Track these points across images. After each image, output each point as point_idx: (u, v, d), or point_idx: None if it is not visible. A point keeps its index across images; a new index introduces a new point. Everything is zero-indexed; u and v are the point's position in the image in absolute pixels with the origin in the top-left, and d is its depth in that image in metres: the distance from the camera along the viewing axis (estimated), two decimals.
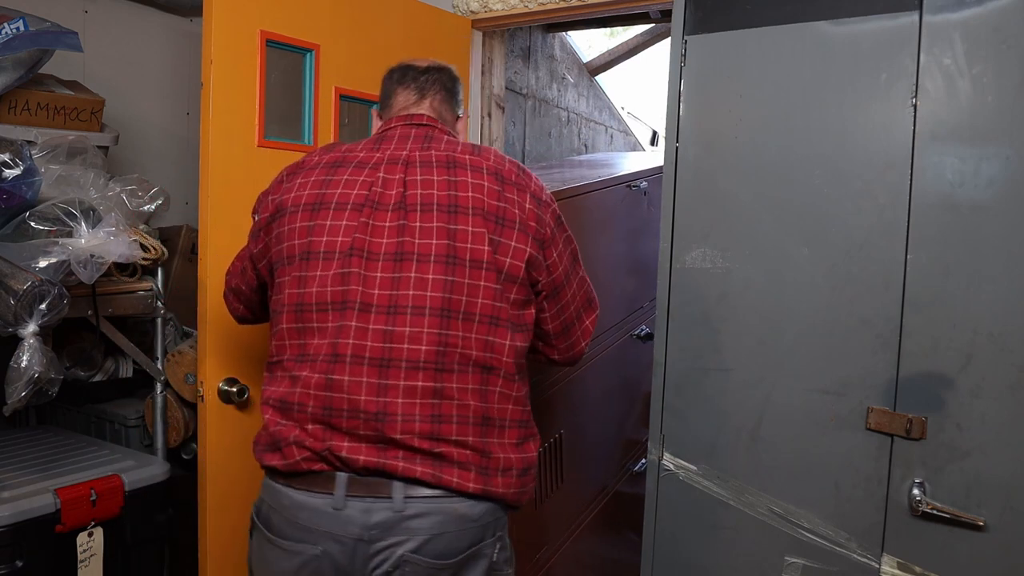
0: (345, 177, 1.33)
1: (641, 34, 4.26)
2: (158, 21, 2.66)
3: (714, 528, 1.70)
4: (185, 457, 2.13)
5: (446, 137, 1.42)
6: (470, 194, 1.31)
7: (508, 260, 1.31)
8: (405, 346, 1.25)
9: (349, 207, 1.30)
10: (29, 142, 1.75)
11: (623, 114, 5.06)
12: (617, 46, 4.42)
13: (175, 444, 2.07)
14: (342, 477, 1.24)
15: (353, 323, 1.25)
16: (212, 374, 1.89)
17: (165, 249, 1.94)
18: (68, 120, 1.96)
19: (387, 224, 1.29)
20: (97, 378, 2.10)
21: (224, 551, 1.94)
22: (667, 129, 1.75)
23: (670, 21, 1.74)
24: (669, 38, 1.75)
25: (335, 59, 2.11)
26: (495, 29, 2.78)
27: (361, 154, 1.37)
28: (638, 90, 5.47)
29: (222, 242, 1.88)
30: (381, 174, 1.33)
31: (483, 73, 2.80)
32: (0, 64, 1.78)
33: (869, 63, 1.50)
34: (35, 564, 1.65)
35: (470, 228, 1.29)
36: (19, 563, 1.62)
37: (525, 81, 3.73)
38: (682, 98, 1.72)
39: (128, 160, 2.50)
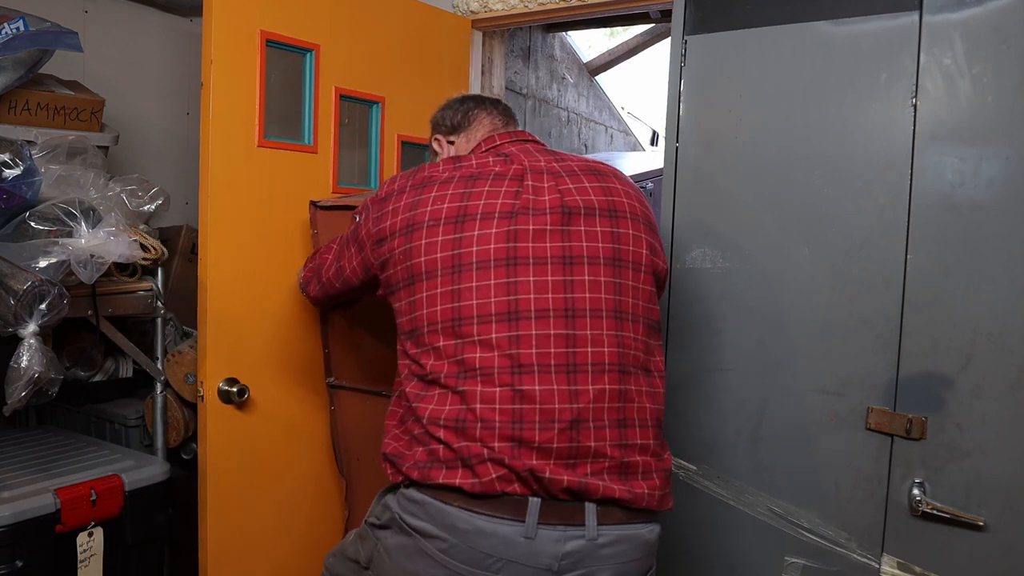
0: (487, 188, 1.29)
1: (641, 34, 4.26)
2: (158, 21, 2.66)
3: (714, 528, 1.70)
4: (185, 457, 2.13)
5: (562, 151, 1.43)
6: (624, 199, 1.33)
7: (660, 263, 1.35)
8: (589, 349, 1.22)
9: (497, 216, 1.26)
10: (29, 142, 1.75)
11: (623, 114, 5.06)
12: (617, 46, 4.42)
13: (175, 444, 2.07)
14: (535, 503, 1.16)
15: (533, 331, 1.20)
16: (212, 374, 1.89)
17: (165, 249, 1.94)
18: (68, 120, 1.96)
19: (548, 228, 1.26)
20: (97, 378, 2.10)
21: (224, 551, 1.94)
22: (667, 129, 1.75)
23: (670, 21, 1.74)
24: (669, 38, 1.75)
25: (335, 59, 2.11)
26: (495, 29, 2.78)
27: (496, 168, 1.34)
28: (638, 90, 5.47)
29: (222, 242, 1.88)
30: (529, 182, 1.31)
31: (483, 73, 2.80)
32: (0, 64, 1.78)
33: (869, 63, 1.50)
34: (35, 564, 1.64)
35: (631, 231, 1.31)
36: (19, 563, 1.62)
37: (525, 81, 3.73)
38: (682, 98, 1.72)
39: (128, 160, 2.50)
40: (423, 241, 1.27)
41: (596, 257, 1.26)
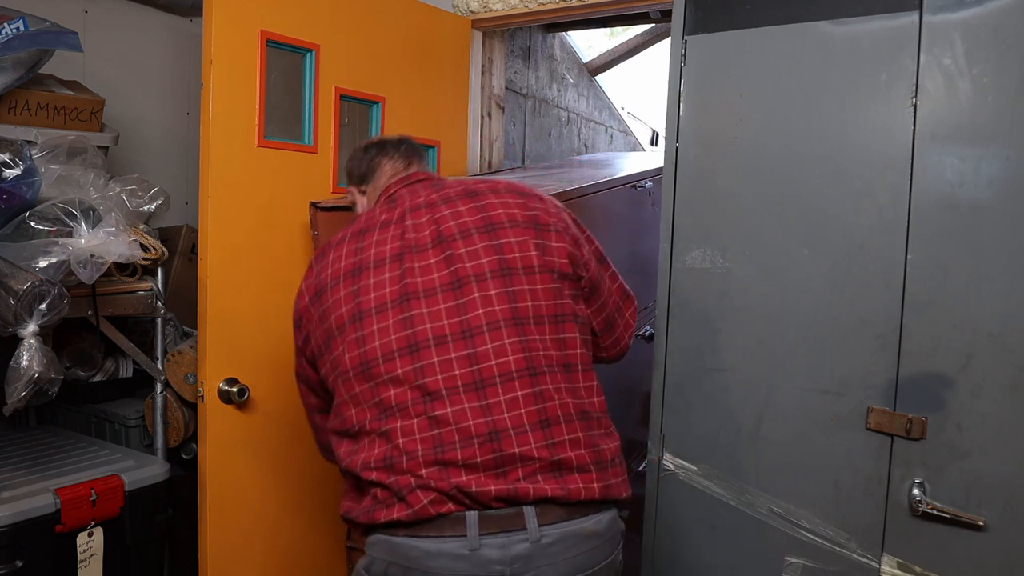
0: (375, 238, 1.38)
1: (641, 34, 4.26)
2: (158, 21, 2.66)
3: (714, 528, 1.70)
4: (185, 457, 2.13)
5: (448, 179, 1.50)
6: (501, 211, 1.37)
7: (556, 259, 1.36)
8: (493, 362, 1.26)
9: (388, 260, 1.34)
10: (29, 142, 1.75)
11: (623, 114, 5.06)
12: (617, 46, 4.42)
13: (175, 444, 2.07)
14: (472, 516, 1.21)
15: (435, 359, 1.26)
16: (212, 374, 1.89)
17: (165, 249, 1.94)
18: (68, 120, 1.96)
19: (432, 260, 1.33)
20: (97, 378, 2.10)
21: (224, 551, 1.94)
22: (667, 129, 1.75)
23: (670, 21, 1.74)
24: (669, 38, 1.75)
25: (335, 59, 2.11)
26: (495, 29, 2.78)
27: (382, 216, 1.42)
28: (638, 90, 5.47)
29: (222, 242, 1.89)
30: (408, 222, 1.38)
31: (483, 73, 2.80)
32: (0, 64, 1.78)
33: (869, 63, 1.50)
34: (35, 564, 1.64)
35: (512, 239, 1.34)
36: (19, 563, 1.62)
37: (525, 81, 3.73)
38: (682, 98, 1.72)
39: (128, 160, 2.50)
40: (330, 301, 1.35)
41: (481, 273, 1.31)
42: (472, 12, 2.61)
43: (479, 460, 1.21)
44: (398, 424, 1.24)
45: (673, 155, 1.73)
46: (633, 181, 2.55)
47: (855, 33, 1.52)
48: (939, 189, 1.44)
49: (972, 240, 1.41)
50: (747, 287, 1.65)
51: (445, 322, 1.28)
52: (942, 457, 1.44)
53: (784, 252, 1.60)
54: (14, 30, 1.78)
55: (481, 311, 1.28)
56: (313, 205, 1.99)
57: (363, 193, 1.59)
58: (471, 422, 1.22)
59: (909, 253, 1.47)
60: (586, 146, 4.49)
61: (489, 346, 1.27)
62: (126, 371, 2.15)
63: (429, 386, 1.24)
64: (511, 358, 1.26)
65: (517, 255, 1.33)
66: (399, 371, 1.26)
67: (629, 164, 3.03)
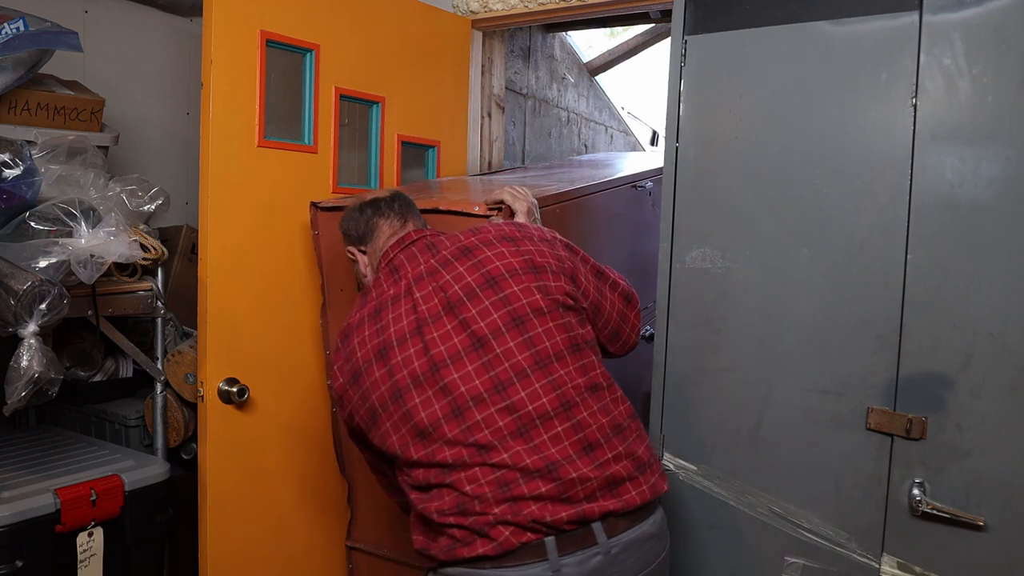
0: (391, 316, 1.45)
1: (641, 34, 4.25)
2: (158, 21, 2.66)
3: (714, 528, 1.70)
4: (185, 457, 2.13)
5: (441, 237, 1.55)
6: (497, 264, 1.44)
7: (558, 297, 1.44)
8: (530, 407, 1.35)
9: (408, 336, 1.41)
10: (29, 142, 1.75)
11: (623, 114, 5.06)
12: (617, 46, 4.42)
13: (175, 444, 2.07)
14: (550, 541, 1.30)
15: (478, 417, 1.34)
16: (212, 374, 1.89)
17: (165, 249, 1.94)
18: (68, 120, 1.96)
19: (449, 327, 1.40)
20: (97, 378, 2.10)
21: (224, 551, 1.94)
22: (667, 129, 1.75)
23: (670, 21, 1.74)
24: (669, 38, 1.75)
25: (335, 59, 2.11)
26: (495, 29, 2.78)
27: (391, 291, 1.48)
28: (638, 90, 5.47)
29: (222, 242, 1.88)
30: (417, 294, 1.45)
31: (483, 73, 2.80)
32: (0, 64, 1.78)
33: (869, 63, 1.50)
34: (35, 564, 1.64)
35: (515, 288, 1.42)
36: (19, 563, 1.62)
37: (525, 81, 3.73)
38: (682, 98, 1.72)
39: (128, 160, 2.50)
40: (367, 383, 1.43)
41: (497, 329, 1.39)
42: (472, 12, 2.61)
43: (543, 491, 1.31)
44: (461, 475, 1.33)
45: (673, 155, 1.73)
46: (633, 181, 2.54)
47: (855, 33, 1.52)
48: (939, 189, 1.44)
49: (972, 240, 1.41)
50: (747, 287, 1.65)
51: (477, 382, 1.36)
52: (942, 457, 1.44)
53: (784, 252, 1.60)
54: (14, 30, 1.78)
55: (507, 364, 1.37)
56: (314, 205, 1.99)
57: (363, 252, 1.64)
58: (527, 461, 1.32)
59: (909, 253, 1.47)
60: (586, 146, 4.49)
61: (523, 393, 1.36)
62: (126, 371, 2.15)
63: (480, 441, 1.33)
64: (544, 400, 1.36)
65: (524, 302, 1.41)
66: (450, 435, 1.34)
67: (629, 164, 3.02)
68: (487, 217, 1.74)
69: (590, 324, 1.51)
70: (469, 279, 1.43)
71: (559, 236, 1.56)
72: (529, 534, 1.29)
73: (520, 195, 1.74)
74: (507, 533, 1.29)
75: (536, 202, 1.77)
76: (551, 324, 1.41)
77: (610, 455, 1.37)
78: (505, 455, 1.32)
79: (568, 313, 1.45)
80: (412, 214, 1.63)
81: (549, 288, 1.44)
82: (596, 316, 1.54)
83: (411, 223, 1.61)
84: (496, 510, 1.30)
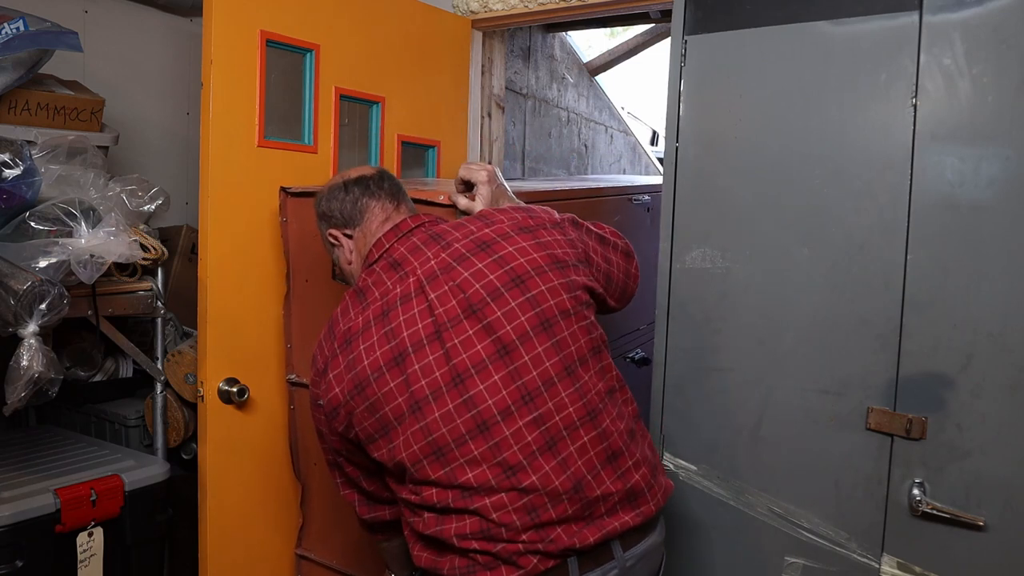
0: (402, 318, 1.31)
1: (641, 34, 4.26)
2: (158, 21, 2.66)
3: (714, 528, 1.70)
4: (185, 457, 2.13)
5: (444, 226, 1.42)
6: (521, 260, 1.33)
7: (582, 294, 1.37)
8: (557, 418, 1.28)
9: (426, 342, 1.29)
10: (29, 142, 1.75)
11: (623, 114, 5.06)
12: (617, 46, 4.42)
13: (175, 444, 2.07)
14: (573, 563, 1.26)
15: (506, 432, 1.26)
16: (212, 374, 1.89)
17: (165, 249, 1.94)
18: (68, 120, 1.96)
19: (471, 332, 1.29)
20: (97, 378, 2.10)
21: (224, 551, 1.94)
22: (667, 129, 1.75)
23: (670, 21, 1.74)
24: (669, 38, 1.75)
25: (335, 59, 2.11)
26: (495, 29, 2.78)
27: (397, 289, 1.35)
28: (638, 90, 5.47)
29: (222, 242, 1.88)
30: (432, 295, 1.31)
31: (483, 73, 2.80)
32: (0, 64, 1.78)
33: (869, 63, 1.50)
34: (35, 564, 1.65)
35: (542, 287, 1.32)
36: (19, 563, 1.62)
37: (525, 81, 3.73)
38: (682, 98, 1.72)
39: (128, 160, 2.50)
40: (378, 394, 1.30)
41: (524, 333, 1.29)
42: (472, 12, 2.61)
43: (570, 513, 1.26)
44: (487, 501, 1.25)
45: (673, 155, 1.73)
46: (629, 193, 2.51)
47: (855, 33, 1.52)
48: (939, 189, 1.44)
49: (972, 240, 1.41)
50: (747, 287, 1.65)
51: (504, 393, 1.27)
52: (942, 457, 1.44)
53: (784, 252, 1.60)
54: (14, 30, 1.78)
55: (535, 372, 1.28)
56: (283, 190, 1.93)
57: (349, 237, 1.48)
58: (556, 482, 1.26)
59: (909, 253, 1.47)
60: (586, 146, 4.50)
61: (550, 403, 1.28)
62: (126, 371, 2.15)
63: (509, 460, 1.25)
64: (571, 409, 1.29)
65: (552, 303, 1.32)
66: (475, 452, 1.26)
67: (627, 179, 2.98)
68: (453, 206, 1.60)
69: (601, 292, 1.45)
70: (491, 277, 1.31)
71: (566, 216, 1.48)
72: (556, 559, 1.26)
73: (476, 166, 1.57)
74: (535, 561, 1.24)
75: (497, 170, 1.62)
76: (576, 326, 1.34)
77: (630, 463, 1.33)
78: (534, 477, 1.25)
79: (588, 310, 1.38)
80: (403, 196, 1.50)
81: (574, 284, 1.36)
82: (607, 283, 1.48)
83: (404, 206, 1.48)
84: (524, 537, 1.24)
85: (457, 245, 1.36)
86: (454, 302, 1.30)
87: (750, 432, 1.65)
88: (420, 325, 1.30)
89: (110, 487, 1.78)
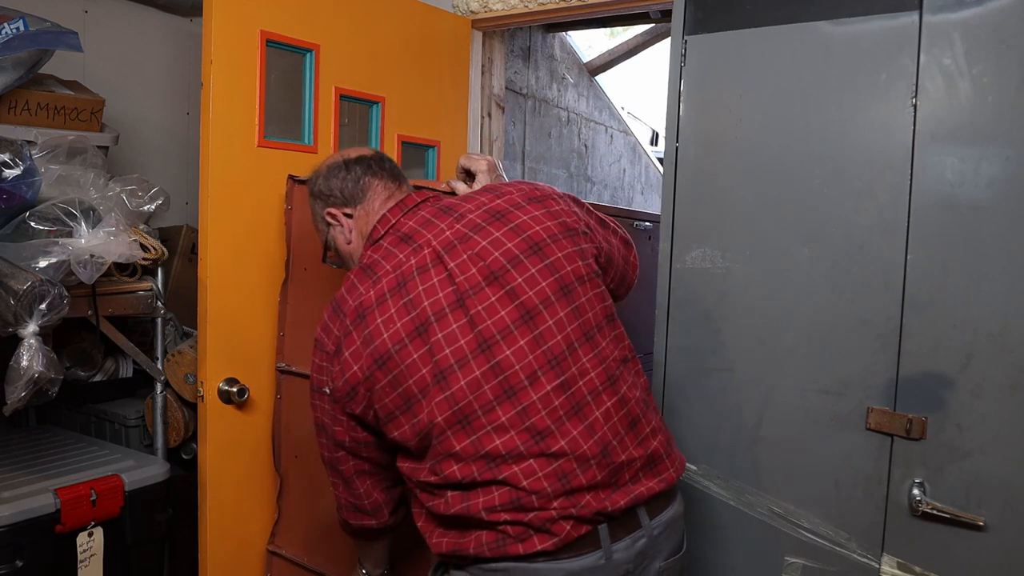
0: (420, 288, 1.30)
1: (641, 34, 4.26)
2: (158, 21, 2.66)
3: (714, 528, 1.70)
4: (185, 457, 2.13)
5: (448, 199, 1.42)
6: (535, 228, 1.34)
7: (592, 261, 1.38)
8: (581, 383, 1.29)
9: (448, 310, 1.28)
10: (29, 142, 1.75)
11: (623, 114, 5.06)
12: (617, 46, 4.42)
13: (175, 444, 2.07)
14: (603, 529, 1.26)
15: (534, 397, 1.25)
16: (212, 374, 1.89)
17: (165, 249, 1.94)
18: (68, 120, 1.96)
19: (494, 299, 1.28)
20: (97, 378, 2.10)
21: (224, 551, 1.94)
22: (667, 129, 1.75)
23: (670, 21, 1.74)
24: (669, 38, 1.75)
25: (335, 59, 2.11)
26: (495, 29, 2.78)
27: (412, 260, 1.33)
28: (638, 90, 5.48)
29: (222, 242, 1.88)
30: (451, 264, 1.30)
31: (483, 73, 2.80)
32: (0, 64, 1.78)
33: (869, 63, 1.50)
34: (35, 564, 1.64)
35: (559, 253, 1.33)
36: (19, 563, 1.62)
37: (525, 81, 3.73)
38: (682, 98, 1.72)
39: (128, 160, 2.50)
40: (401, 366, 1.27)
41: (546, 299, 1.29)
42: (472, 12, 2.61)
43: (599, 479, 1.26)
44: (516, 469, 1.24)
45: (673, 155, 1.73)
46: (634, 219, 2.50)
47: (855, 33, 1.52)
48: (939, 189, 1.44)
49: (972, 240, 1.41)
50: (747, 287, 1.65)
51: (531, 358, 1.26)
52: (942, 457, 1.44)
53: (784, 252, 1.60)
54: (14, 30, 1.78)
55: (559, 337, 1.28)
56: (291, 178, 1.93)
57: (349, 216, 1.46)
58: (584, 447, 1.25)
59: (909, 253, 1.47)
60: (586, 146, 4.50)
61: (574, 368, 1.28)
62: (126, 371, 2.15)
63: (537, 425, 1.24)
64: (593, 374, 1.30)
65: (568, 269, 1.33)
66: (503, 419, 1.24)
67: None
68: (452, 193, 1.56)
69: (604, 264, 1.45)
70: (510, 245, 1.31)
71: (568, 194, 1.49)
72: (588, 525, 1.24)
73: (477, 155, 1.58)
74: (568, 527, 1.23)
75: (498, 161, 1.62)
76: (591, 292, 1.34)
77: (648, 430, 1.33)
78: (563, 442, 1.24)
79: (600, 278, 1.39)
80: (403, 176, 1.50)
81: (586, 252, 1.37)
82: (608, 263, 1.47)
83: (404, 186, 1.48)
84: (555, 504, 1.23)
85: (471, 216, 1.35)
86: (474, 270, 1.29)
87: (750, 432, 1.65)
88: (441, 294, 1.29)
89: (110, 487, 1.78)
